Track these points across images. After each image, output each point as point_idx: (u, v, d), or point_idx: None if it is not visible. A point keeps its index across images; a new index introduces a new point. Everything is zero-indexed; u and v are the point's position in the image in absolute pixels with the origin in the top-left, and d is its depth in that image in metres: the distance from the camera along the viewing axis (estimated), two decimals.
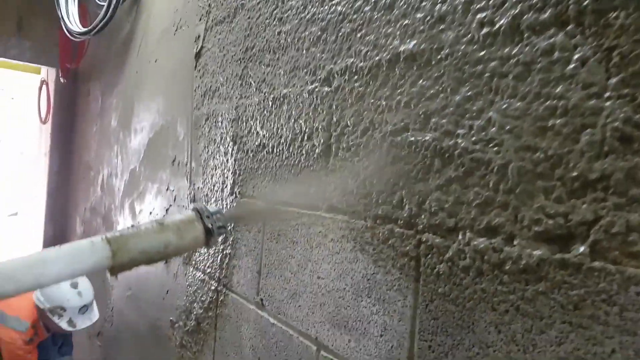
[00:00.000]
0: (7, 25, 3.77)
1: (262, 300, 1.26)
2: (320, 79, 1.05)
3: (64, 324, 2.30)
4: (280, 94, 1.21)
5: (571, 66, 0.61)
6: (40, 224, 4.10)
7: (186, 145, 1.86)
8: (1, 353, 2.43)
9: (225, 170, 1.51)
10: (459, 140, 0.73)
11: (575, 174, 0.59)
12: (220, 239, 1.15)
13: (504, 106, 0.67)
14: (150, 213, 2.23)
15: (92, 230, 3.24)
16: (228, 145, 1.50)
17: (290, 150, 1.16)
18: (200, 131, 1.72)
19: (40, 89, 4.27)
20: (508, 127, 0.67)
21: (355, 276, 0.95)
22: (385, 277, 0.87)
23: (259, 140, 1.31)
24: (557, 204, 0.61)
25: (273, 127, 1.24)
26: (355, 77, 0.94)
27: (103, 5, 2.60)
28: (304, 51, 1.11)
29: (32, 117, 4.59)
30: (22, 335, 2.36)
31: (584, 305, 0.58)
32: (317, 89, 1.06)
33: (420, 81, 0.80)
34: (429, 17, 0.79)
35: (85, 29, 2.78)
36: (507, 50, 0.68)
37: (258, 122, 1.32)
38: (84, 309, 2.37)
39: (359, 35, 0.94)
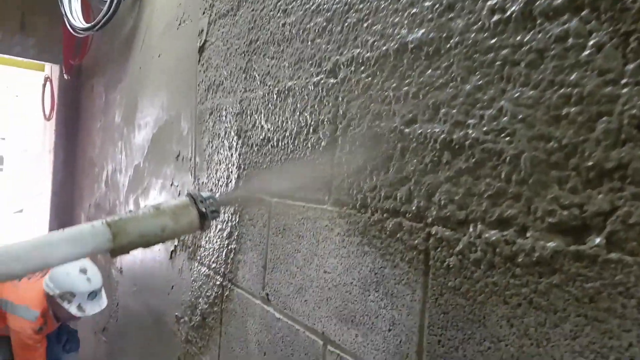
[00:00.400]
0: (10, 23, 3.76)
1: (267, 295, 1.25)
2: (325, 70, 1.04)
3: (73, 309, 2.32)
4: (285, 86, 1.19)
5: (586, 52, 0.59)
6: (45, 220, 4.10)
7: (190, 140, 1.84)
8: (11, 343, 2.44)
9: (230, 165, 1.50)
10: (470, 131, 0.71)
11: (590, 163, 0.58)
12: (214, 222, 1.18)
13: (516, 95, 0.66)
14: None
15: None
16: (232, 140, 1.49)
17: (296, 144, 1.15)
18: (205, 126, 1.70)
19: (44, 86, 4.27)
20: (520, 116, 0.65)
21: (363, 270, 0.93)
22: (393, 271, 0.86)
23: (263, 134, 1.30)
24: (572, 195, 0.59)
25: (278, 121, 1.23)
26: (362, 68, 0.93)
27: (106, 1, 2.59)
28: (309, 43, 1.09)
29: (36, 115, 4.60)
30: (32, 324, 2.37)
31: (599, 298, 0.56)
32: (322, 81, 1.05)
33: (429, 71, 0.78)
34: (437, 5, 0.78)
35: (88, 25, 2.77)
36: (519, 37, 0.66)
37: (263, 115, 1.30)
38: (93, 294, 2.39)
39: (365, 25, 0.93)
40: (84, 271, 2.39)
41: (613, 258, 0.55)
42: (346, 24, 0.98)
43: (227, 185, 1.51)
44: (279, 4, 1.24)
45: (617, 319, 0.55)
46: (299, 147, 1.13)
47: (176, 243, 1.93)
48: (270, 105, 1.26)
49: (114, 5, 2.53)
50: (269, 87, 1.26)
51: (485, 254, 0.69)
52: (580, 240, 0.59)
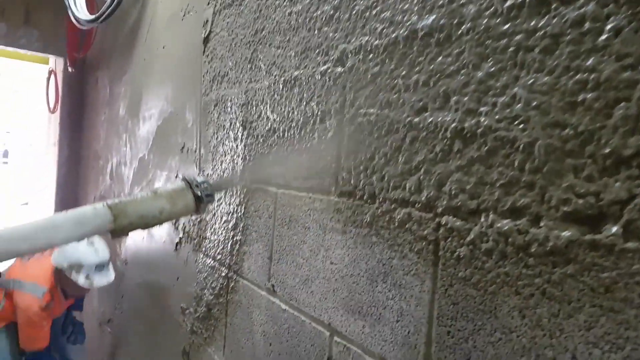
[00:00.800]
0: (15, 16, 3.75)
1: (273, 286, 1.25)
2: (333, 59, 1.02)
3: (81, 279, 2.37)
4: (291, 76, 1.18)
5: (603, 37, 0.57)
6: (51, 213, 4.11)
7: (195, 131, 1.83)
8: (18, 321, 2.47)
9: (235, 156, 1.49)
10: (482, 119, 0.70)
11: (607, 150, 0.56)
12: (208, 206, 1.21)
13: (530, 81, 0.64)
14: None
15: None
16: (238, 131, 1.48)
17: (302, 134, 1.13)
18: (209, 117, 1.69)
19: (48, 79, 4.26)
20: (535, 103, 0.63)
21: (370, 261, 0.92)
22: (401, 261, 0.85)
23: (269, 124, 1.29)
24: (588, 183, 0.58)
25: (284, 111, 1.21)
26: (370, 56, 0.91)
27: None
28: (316, 31, 1.08)
29: (41, 108, 4.60)
30: (39, 301, 2.40)
31: (615, 288, 0.55)
32: (329, 70, 1.03)
33: (440, 58, 0.77)
34: None
35: (93, 17, 2.75)
36: (533, 22, 0.64)
37: (268, 106, 1.29)
38: (101, 266, 2.44)
39: (374, 12, 0.91)
40: (92, 243, 2.45)
41: (630, 247, 0.54)
42: (354, 12, 0.96)
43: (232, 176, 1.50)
44: None
45: (634, 310, 0.53)
46: (306, 138, 1.12)
47: (181, 235, 1.93)
48: (276, 95, 1.25)
49: None
50: (275, 77, 1.25)
51: (497, 243, 0.68)
52: (596, 230, 0.57)
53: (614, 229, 0.56)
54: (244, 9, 1.45)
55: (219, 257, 1.58)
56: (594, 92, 0.58)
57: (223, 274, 1.54)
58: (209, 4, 1.73)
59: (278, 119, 1.24)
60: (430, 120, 0.78)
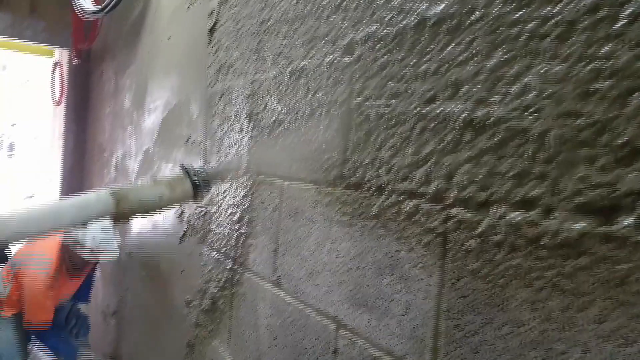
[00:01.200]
0: (21, 6, 3.75)
1: (278, 279, 1.24)
2: (340, 49, 1.01)
3: (88, 240, 2.42)
4: (297, 66, 1.16)
5: (619, 24, 0.56)
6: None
7: (200, 123, 1.82)
8: (23, 294, 2.50)
9: (241, 148, 1.48)
10: (493, 109, 0.68)
11: (622, 140, 0.55)
12: (206, 193, 1.26)
13: (543, 70, 0.63)
14: None
15: None
16: (243, 123, 1.47)
17: (308, 126, 1.12)
18: (215, 109, 1.68)
19: (53, 71, 4.26)
20: (547, 92, 0.62)
21: (377, 254, 0.91)
22: (409, 254, 0.84)
23: (275, 116, 1.27)
24: (602, 174, 0.57)
25: (290, 102, 1.20)
26: (379, 45, 0.90)
27: None
28: (323, 20, 1.07)
29: (46, 101, 4.60)
30: (46, 269, 2.45)
31: (629, 281, 0.54)
32: (337, 60, 1.02)
33: (450, 47, 0.75)
34: None
35: (98, 8, 2.74)
36: (546, 9, 0.63)
37: (274, 97, 1.28)
38: (107, 229, 2.50)
39: (383, 0, 0.89)
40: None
41: None
42: (362, 0, 0.95)
43: (237, 168, 1.49)
44: None
45: None
46: (312, 129, 1.11)
47: (186, 228, 1.92)
48: (282, 86, 1.24)
49: None
50: (281, 67, 1.24)
51: (507, 236, 0.66)
52: (609, 221, 0.56)
53: (628, 220, 0.54)
54: None
55: (224, 249, 1.57)
56: (609, 80, 0.56)
57: (228, 267, 1.53)
58: None
59: (284, 110, 1.23)
60: (440, 110, 0.77)
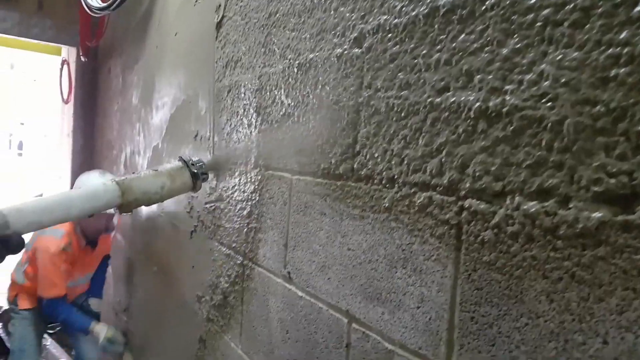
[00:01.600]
0: (28, 4, 3.76)
1: (289, 273, 1.24)
2: (349, 40, 1.00)
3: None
4: (306, 59, 1.16)
5: (638, 8, 0.54)
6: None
7: (208, 119, 1.82)
8: (38, 267, 2.56)
9: (249, 143, 1.47)
10: (507, 97, 0.67)
11: None
12: (204, 183, 1.31)
13: (559, 57, 0.62)
14: None
15: None
16: (251, 117, 1.46)
17: (317, 119, 1.11)
18: (223, 104, 1.68)
19: (61, 69, 4.28)
20: (563, 79, 0.61)
21: (389, 247, 0.91)
22: (422, 247, 0.83)
23: (284, 109, 1.27)
24: (620, 162, 0.56)
25: (299, 96, 1.20)
26: (389, 35, 0.89)
27: None
28: (332, 12, 1.05)
29: (55, 99, 4.62)
30: (57, 241, 2.51)
31: None
32: (346, 52, 1.01)
33: (462, 35, 0.74)
34: None
35: (105, 4, 2.74)
36: None
37: (283, 90, 1.27)
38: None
39: None
40: (102, 174, 2.65)
41: None
42: None
43: (246, 164, 1.48)
44: None
45: None
46: (321, 122, 1.10)
47: (196, 223, 1.93)
48: (290, 79, 1.23)
49: None
50: (290, 60, 1.23)
51: (523, 226, 0.65)
52: (629, 210, 0.55)
53: None
54: None
55: (234, 245, 1.57)
56: (628, 66, 0.55)
57: (238, 262, 1.53)
58: None
59: (293, 103, 1.22)
60: (452, 100, 0.75)
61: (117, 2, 2.60)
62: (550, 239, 0.62)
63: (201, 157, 1.49)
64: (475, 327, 0.73)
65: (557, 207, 0.62)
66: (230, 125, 1.61)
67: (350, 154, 1.00)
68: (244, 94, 1.51)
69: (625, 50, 0.55)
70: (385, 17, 0.90)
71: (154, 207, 2.49)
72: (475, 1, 0.72)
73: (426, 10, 0.80)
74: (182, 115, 2.14)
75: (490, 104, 0.70)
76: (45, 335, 3.08)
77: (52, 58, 4.61)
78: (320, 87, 1.10)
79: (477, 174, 0.72)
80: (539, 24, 0.64)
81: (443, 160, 0.78)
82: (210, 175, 1.75)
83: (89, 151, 4.10)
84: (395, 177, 0.88)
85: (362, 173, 0.97)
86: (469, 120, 0.73)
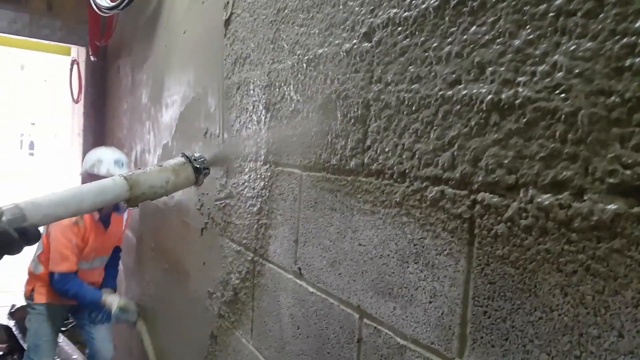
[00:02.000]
0: (37, 5, 3.79)
1: (299, 269, 1.24)
2: (359, 35, 0.99)
3: (103, 171, 2.58)
4: (315, 55, 1.15)
5: None
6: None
7: (218, 116, 1.83)
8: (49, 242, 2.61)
9: (259, 140, 1.48)
10: (520, 89, 0.67)
11: None
12: (205, 177, 1.35)
13: (572, 48, 0.61)
14: None
15: None
16: (261, 114, 1.46)
17: (327, 115, 1.11)
18: (232, 101, 1.68)
19: (71, 69, 4.31)
20: (577, 70, 0.60)
21: (400, 242, 0.90)
22: (434, 241, 0.82)
23: (293, 105, 1.27)
24: (636, 153, 0.55)
25: (308, 91, 1.19)
26: (399, 29, 0.88)
27: None
28: (341, 6, 1.05)
29: (65, 99, 4.66)
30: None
31: None
32: (355, 46, 1.00)
33: (474, 27, 0.74)
34: None
35: (114, 4, 2.76)
36: None
37: (292, 86, 1.27)
38: (119, 162, 2.67)
39: None
40: (108, 147, 2.78)
41: None
42: None
43: (256, 160, 1.49)
44: None
45: None
46: (331, 118, 1.10)
47: (206, 220, 1.93)
48: (300, 75, 1.23)
49: None
50: (299, 56, 1.23)
51: (537, 219, 0.65)
52: None
53: None
54: None
55: (244, 241, 1.57)
56: None
57: (249, 258, 1.54)
58: None
59: (302, 99, 1.22)
60: (464, 93, 0.75)
61: (125, 2, 2.61)
62: (564, 231, 0.62)
63: (204, 153, 1.53)
64: (488, 322, 0.72)
65: (571, 200, 0.61)
66: (240, 122, 1.61)
67: (360, 149, 1.00)
68: (253, 90, 1.51)
69: None
70: (394, 10, 0.89)
71: (165, 204, 2.51)
72: None
73: (436, 3, 0.80)
74: (191, 113, 2.14)
75: (503, 96, 0.69)
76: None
77: (61, 58, 4.64)
78: (329, 82, 1.10)
79: (490, 167, 0.71)
80: (551, 14, 0.63)
81: (455, 153, 0.77)
82: (220, 173, 1.76)
83: None
84: (407, 171, 0.88)
85: (373, 168, 0.97)
86: (481, 113, 0.72)
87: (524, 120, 0.66)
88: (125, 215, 2.97)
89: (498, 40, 0.70)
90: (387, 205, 0.93)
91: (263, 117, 1.45)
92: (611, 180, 0.57)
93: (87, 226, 2.65)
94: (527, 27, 0.66)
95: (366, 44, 0.97)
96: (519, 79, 0.67)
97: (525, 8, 0.66)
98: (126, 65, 3.39)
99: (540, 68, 0.64)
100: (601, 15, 0.58)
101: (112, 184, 1.11)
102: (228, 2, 1.70)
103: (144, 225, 3.03)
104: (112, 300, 2.65)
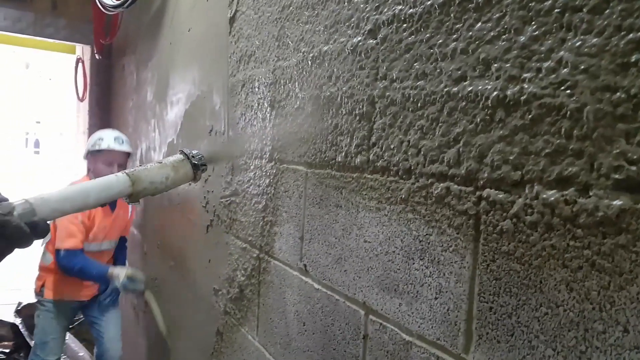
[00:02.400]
0: (42, 3, 3.80)
1: (305, 266, 1.24)
2: (364, 32, 1.00)
3: (104, 146, 2.70)
4: (320, 52, 1.16)
5: None
6: None
7: (223, 113, 1.83)
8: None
9: (264, 137, 1.48)
10: (525, 86, 0.67)
11: None
12: (202, 173, 1.38)
13: (578, 44, 0.61)
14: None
15: None
16: (266, 111, 1.47)
17: (332, 112, 1.11)
18: (237, 98, 1.69)
19: (76, 68, 4.32)
20: (583, 66, 0.60)
21: (406, 238, 0.90)
22: (439, 238, 0.83)
23: (298, 103, 1.27)
24: None
25: (313, 89, 1.20)
26: (404, 25, 0.88)
27: None
28: (346, 3, 1.05)
29: (70, 98, 4.68)
30: None
31: None
32: (360, 43, 1.01)
33: (479, 24, 0.74)
34: None
35: (118, 2, 2.77)
36: None
37: (297, 84, 1.27)
38: (119, 139, 2.75)
39: None
40: (112, 131, 2.87)
41: None
42: None
43: (261, 157, 1.49)
44: None
45: None
46: (336, 115, 1.10)
47: (212, 217, 1.94)
48: (304, 72, 1.23)
49: None
50: (303, 53, 1.23)
51: (542, 215, 0.65)
52: None
53: None
54: None
55: (249, 238, 1.58)
56: None
57: (254, 255, 1.54)
58: None
59: (307, 96, 1.22)
60: (469, 89, 0.75)
61: (130, 0, 2.62)
62: (569, 227, 0.62)
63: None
64: (494, 318, 0.72)
65: (576, 196, 0.61)
66: (245, 119, 1.62)
67: (365, 146, 1.00)
68: (258, 88, 1.51)
69: None
70: (400, 7, 0.89)
71: (170, 201, 2.52)
72: None
73: (442, 0, 0.80)
74: (196, 111, 2.15)
75: (508, 92, 0.69)
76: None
77: (66, 57, 4.66)
78: (334, 79, 1.10)
79: (496, 163, 0.71)
80: (557, 10, 0.63)
81: (461, 150, 0.77)
82: (226, 170, 1.76)
83: None
84: (412, 168, 0.88)
85: (378, 165, 0.97)
86: (486, 110, 0.73)
87: (530, 116, 0.66)
88: (130, 207, 2.98)
89: (503, 37, 0.70)
90: (392, 202, 0.94)
91: (268, 115, 1.45)
92: (617, 176, 0.57)
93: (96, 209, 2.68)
94: (533, 23, 0.66)
95: (371, 41, 0.98)
96: (525, 75, 0.67)
97: (530, 4, 0.66)
98: (131, 63, 3.40)
99: (546, 64, 0.64)
100: (607, 11, 0.58)
101: (116, 180, 1.16)
102: (233, 0, 1.71)
103: (149, 223, 3.04)
104: (120, 271, 2.63)
